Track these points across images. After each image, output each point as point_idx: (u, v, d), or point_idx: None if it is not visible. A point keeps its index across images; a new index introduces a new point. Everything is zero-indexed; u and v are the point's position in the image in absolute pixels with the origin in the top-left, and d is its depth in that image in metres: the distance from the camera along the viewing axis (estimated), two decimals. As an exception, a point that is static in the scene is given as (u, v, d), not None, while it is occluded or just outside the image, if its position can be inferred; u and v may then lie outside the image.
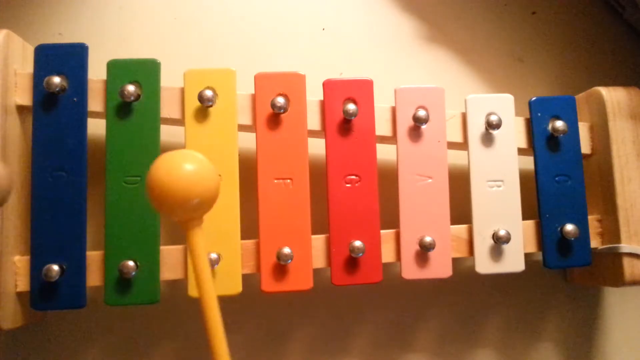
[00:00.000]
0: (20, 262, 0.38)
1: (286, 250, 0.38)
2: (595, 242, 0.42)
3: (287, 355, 0.45)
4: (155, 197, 0.25)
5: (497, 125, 0.41)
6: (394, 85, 0.41)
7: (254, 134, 0.40)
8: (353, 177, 0.40)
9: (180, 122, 0.40)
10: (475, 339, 0.47)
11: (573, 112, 0.43)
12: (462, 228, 0.41)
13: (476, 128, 0.42)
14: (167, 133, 0.40)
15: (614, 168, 0.42)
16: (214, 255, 0.37)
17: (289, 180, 0.39)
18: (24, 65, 0.39)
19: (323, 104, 0.41)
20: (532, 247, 0.42)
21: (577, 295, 0.48)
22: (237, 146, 0.39)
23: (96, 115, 0.39)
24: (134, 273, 0.37)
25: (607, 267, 0.43)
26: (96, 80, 0.39)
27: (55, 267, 0.36)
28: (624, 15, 0.51)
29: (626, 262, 0.41)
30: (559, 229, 0.41)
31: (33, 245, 0.37)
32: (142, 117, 0.39)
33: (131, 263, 0.37)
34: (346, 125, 0.40)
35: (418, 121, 0.40)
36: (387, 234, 0.41)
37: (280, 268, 0.39)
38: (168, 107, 0.39)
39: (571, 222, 0.41)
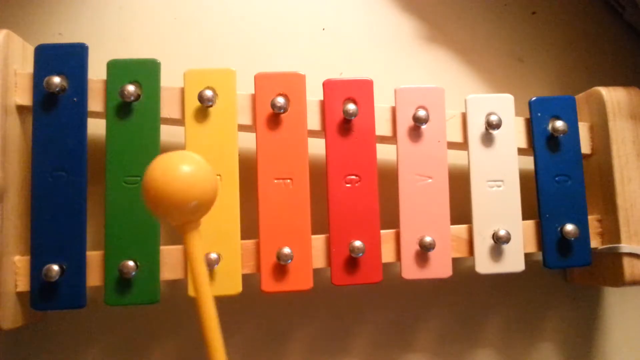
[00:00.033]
0: (20, 262, 0.38)
1: (286, 250, 0.38)
2: (595, 242, 0.42)
3: (287, 355, 0.45)
4: (151, 200, 0.24)
5: (497, 125, 0.41)
6: (394, 85, 0.41)
7: (254, 134, 0.40)
8: (353, 177, 0.40)
9: (180, 122, 0.40)
10: (475, 339, 0.47)
11: (573, 112, 0.43)
12: (462, 228, 0.41)
13: (476, 128, 0.42)
14: (167, 133, 0.40)
15: (614, 168, 0.42)
16: (214, 255, 0.37)
17: (289, 180, 0.39)
18: (24, 65, 0.39)
19: (323, 104, 0.41)
20: (532, 247, 0.42)
21: (577, 295, 0.48)
22: (237, 146, 0.39)
23: (96, 115, 0.39)
24: (134, 273, 0.37)
25: (607, 267, 0.43)
26: (96, 80, 0.39)
27: (55, 267, 0.36)
28: (624, 15, 0.51)
29: (626, 262, 0.41)
30: (559, 229, 0.41)
31: (33, 245, 0.37)
32: (142, 117, 0.39)
33: (131, 263, 0.37)
34: (346, 125, 0.40)
35: (418, 121, 0.40)
36: (387, 234, 0.41)
37: (280, 268, 0.39)
38: (168, 107, 0.39)
39: (571, 222, 0.41)
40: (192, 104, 0.39)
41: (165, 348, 0.44)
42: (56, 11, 0.47)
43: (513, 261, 0.41)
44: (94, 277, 0.38)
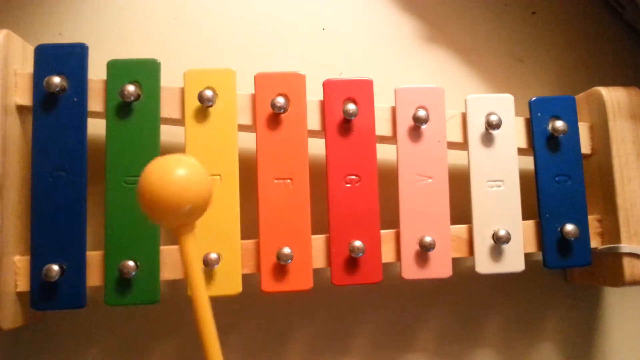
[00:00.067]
0: (20, 262, 0.38)
1: (286, 250, 0.38)
2: (595, 242, 0.42)
3: (287, 355, 0.45)
4: (146, 203, 0.24)
5: (497, 125, 0.41)
6: (394, 85, 0.41)
7: (254, 134, 0.40)
8: (353, 177, 0.40)
9: (180, 122, 0.40)
10: (475, 339, 0.47)
11: (573, 112, 0.43)
12: (462, 228, 0.41)
13: (476, 128, 0.42)
14: (167, 133, 0.40)
15: (614, 168, 0.42)
16: (214, 255, 0.37)
17: (289, 180, 0.39)
18: (24, 65, 0.39)
19: (323, 104, 0.41)
20: (532, 247, 0.42)
21: (577, 295, 0.48)
22: (237, 146, 0.39)
23: (96, 115, 0.39)
24: (134, 273, 0.37)
25: (607, 267, 0.43)
26: (96, 80, 0.39)
27: (55, 267, 0.36)
28: (624, 15, 0.51)
29: (626, 262, 0.41)
30: (559, 229, 0.41)
31: (33, 245, 0.37)
32: (142, 117, 0.39)
33: (131, 263, 0.37)
34: (346, 125, 0.40)
35: (418, 121, 0.40)
36: (387, 234, 0.41)
37: (280, 268, 0.39)
38: (168, 107, 0.39)
39: (571, 222, 0.41)
40: (192, 104, 0.39)
41: (165, 348, 0.44)
42: (56, 11, 0.47)
43: (513, 261, 0.41)
44: (94, 277, 0.38)
